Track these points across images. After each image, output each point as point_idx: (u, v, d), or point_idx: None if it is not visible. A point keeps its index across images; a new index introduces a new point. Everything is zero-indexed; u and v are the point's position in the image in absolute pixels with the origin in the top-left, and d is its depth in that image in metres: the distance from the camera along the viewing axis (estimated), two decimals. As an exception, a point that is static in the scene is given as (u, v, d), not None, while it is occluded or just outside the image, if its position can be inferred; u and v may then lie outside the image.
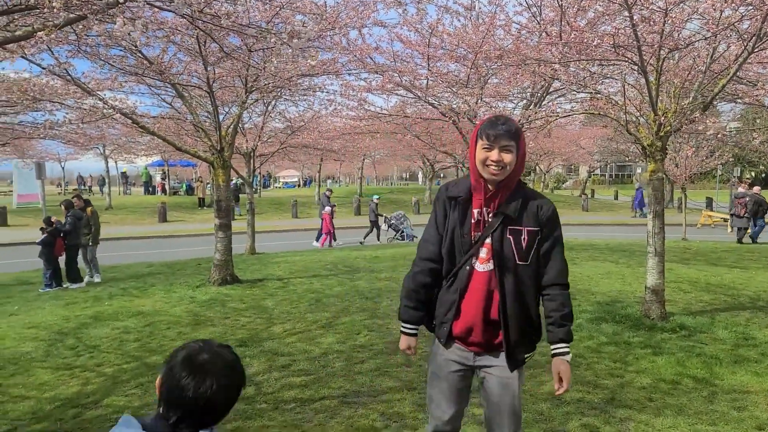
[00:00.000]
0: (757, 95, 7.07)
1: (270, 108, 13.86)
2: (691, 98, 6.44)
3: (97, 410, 4.45)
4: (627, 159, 39.85)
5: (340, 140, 17.78)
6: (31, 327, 7.22)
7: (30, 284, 11.06)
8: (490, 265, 2.45)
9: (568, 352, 2.43)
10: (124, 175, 44.75)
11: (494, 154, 2.35)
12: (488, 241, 2.45)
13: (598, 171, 62.50)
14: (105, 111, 7.88)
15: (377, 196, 20.06)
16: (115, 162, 35.20)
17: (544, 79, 9.58)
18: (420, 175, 59.43)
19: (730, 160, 25.24)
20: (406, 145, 23.56)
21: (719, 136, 8.21)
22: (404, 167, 62.39)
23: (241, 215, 27.30)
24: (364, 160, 36.47)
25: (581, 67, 6.43)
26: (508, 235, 2.42)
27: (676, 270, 10.45)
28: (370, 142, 22.83)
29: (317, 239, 18.27)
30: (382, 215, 19.58)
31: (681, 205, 23.12)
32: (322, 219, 17.78)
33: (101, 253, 11.78)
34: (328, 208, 17.57)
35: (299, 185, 60.45)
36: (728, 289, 8.69)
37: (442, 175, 57.48)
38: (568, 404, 4.34)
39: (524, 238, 2.41)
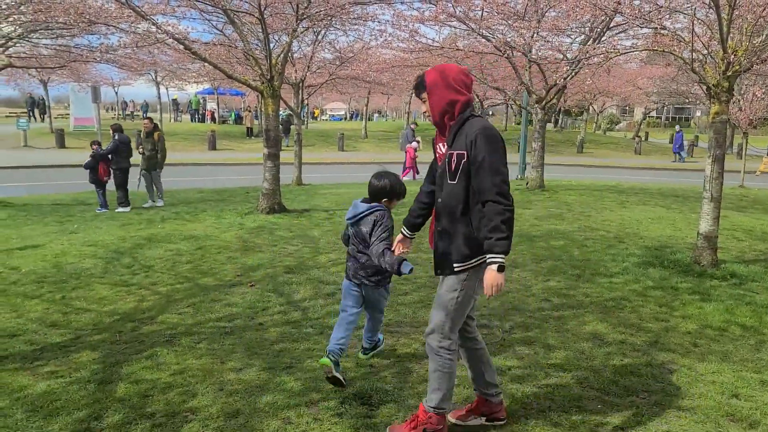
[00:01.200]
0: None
1: (320, 37, 13.67)
2: (764, 36, 6.04)
3: (152, 326, 4.69)
4: (687, 101, 38.00)
5: (389, 73, 17.49)
6: (90, 245, 7.57)
7: (87, 204, 11.52)
8: None
9: (494, 261, 2.65)
10: (174, 102, 45.29)
11: (423, 106, 2.93)
12: None
13: (654, 113, 59.94)
14: (158, 35, 7.90)
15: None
16: (166, 88, 35.58)
17: (606, 13, 9.10)
18: (468, 112, 58.04)
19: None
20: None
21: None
22: (452, 103, 61.08)
23: (288, 146, 27.50)
24: (411, 94, 35.88)
25: (648, -1, 6.06)
26: (446, 160, 2.83)
27: (731, 217, 10.13)
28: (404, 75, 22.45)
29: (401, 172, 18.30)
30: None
31: (741, 151, 22.12)
32: (406, 152, 17.69)
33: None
34: (415, 144, 17.45)
35: (346, 118, 60.17)
36: (785, 240, 8.40)
37: (491, 113, 56.15)
38: (610, 344, 4.35)
39: (453, 160, 2.78)
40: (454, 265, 2.85)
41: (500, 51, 11.79)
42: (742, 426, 3.27)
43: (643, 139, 38.71)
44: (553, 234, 8.26)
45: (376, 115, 60.90)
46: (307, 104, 40.48)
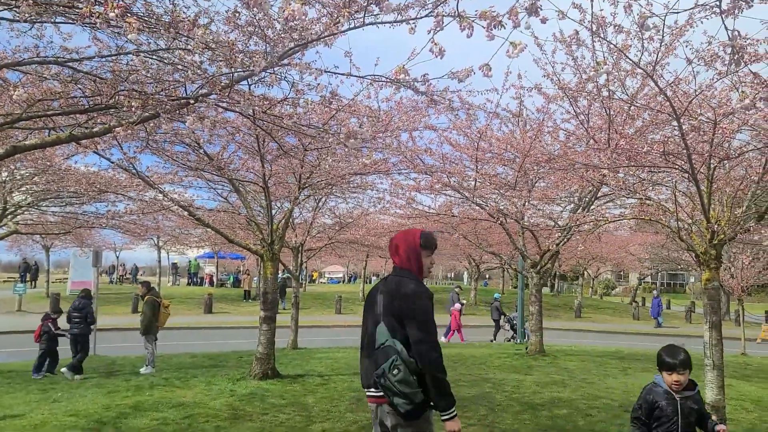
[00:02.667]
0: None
1: (321, 204, 14.26)
2: (744, 207, 6.34)
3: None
4: (679, 267, 38.67)
5: (387, 237, 17.97)
6: (72, 415, 7.24)
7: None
8: None
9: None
10: (174, 266, 45.72)
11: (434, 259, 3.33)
12: None
13: (648, 278, 60.69)
14: (164, 203, 8.26)
15: (498, 295, 21.52)
16: (167, 252, 36.24)
17: (593, 185, 9.62)
18: (465, 275, 58.85)
19: (791, 272, 24.19)
20: (452, 245, 23.59)
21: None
22: (449, 267, 61.98)
23: (285, 309, 27.39)
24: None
25: (630, 173, 6.46)
26: None
27: (736, 386, 9.83)
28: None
29: (445, 335, 18.99)
30: (505, 314, 20.37)
31: (738, 318, 22.05)
32: (452, 315, 18.87)
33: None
34: (458, 305, 18.85)
35: (344, 281, 60.60)
36: (797, 410, 8.08)
37: (488, 276, 56.76)
38: None
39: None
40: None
41: (494, 218, 12.25)
42: None
43: (640, 304, 38.73)
44: (556, 402, 7.95)
45: (374, 277, 61.50)
46: (306, 267, 41.04)
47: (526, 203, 12.33)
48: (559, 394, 8.54)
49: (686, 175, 5.84)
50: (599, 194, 11.67)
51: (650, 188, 7.42)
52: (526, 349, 13.07)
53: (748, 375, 11.78)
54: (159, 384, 9.29)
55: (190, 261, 43.30)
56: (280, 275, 33.48)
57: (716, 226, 6.22)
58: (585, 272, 42.63)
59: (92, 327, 11.44)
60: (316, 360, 12.21)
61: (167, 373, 10.52)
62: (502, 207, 12.27)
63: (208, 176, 9.66)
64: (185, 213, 9.10)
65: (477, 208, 12.56)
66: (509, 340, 19.06)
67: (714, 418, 3.85)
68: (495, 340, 19.24)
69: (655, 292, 31.15)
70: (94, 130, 4.87)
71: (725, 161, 5.95)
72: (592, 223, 7.99)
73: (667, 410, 3.48)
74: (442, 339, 18.45)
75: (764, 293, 46.79)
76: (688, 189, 7.28)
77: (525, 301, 15.67)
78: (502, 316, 20.18)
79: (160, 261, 34.33)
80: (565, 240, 12.10)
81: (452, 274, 78.55)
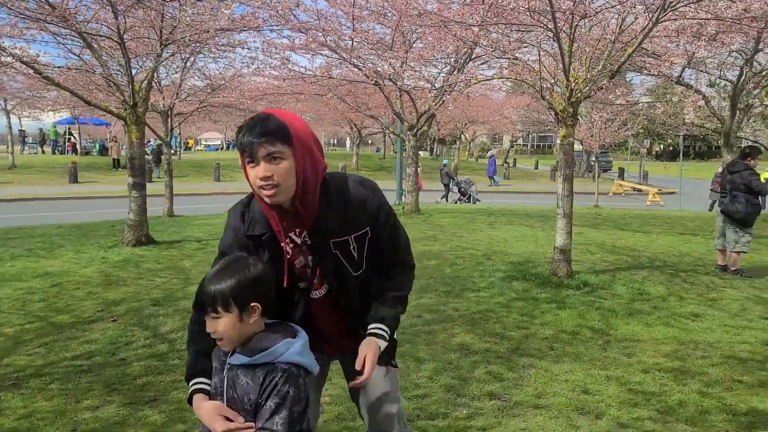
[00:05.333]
0: (660, 67, 7.47)
1: (188, 64, 13.33)
2: (600, 66, 6.72)
3: (-3, 370, 4.26)
4: (547, 129, 41.13)
5: (264, 101, 17.37)
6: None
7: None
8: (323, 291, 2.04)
9: (384, 337, 2.00)
10: (21, 133, 40.37)
11: (260, 170, 1.77)
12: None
13: (520, 140, 64.31)
14: (3, 59, 7.35)
15: (446, 161, 23.91)
16: (19, 118, 32.80)
17: (467, 45, 9.70)
18: (348, 141, 59.13)
19: (641, 132, 26.62)
20: (332, 109, 23.33)
21: (628, 105, 8.61)
22: (332, 132, 61.71)
23: (160, 177, 26.32)
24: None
25: (501, 32, 6.56)
26: (334, 251, 1.95)
27: (586, 233, 11.01)
28: (296, 105, 22.62)
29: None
30: (454, 178, 22.46)
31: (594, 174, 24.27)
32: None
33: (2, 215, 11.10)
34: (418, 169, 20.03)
35: (222, 148, 58.77)
36: (630, 251, 9.26)
37: (369, 141, 57.41)
38: (475, 353, 4.55)
39: (354, 247, 1.97)
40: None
41: (370, 79, 12.13)
42: (590, 418, 3.54)
43: (511, 165, 41.22)
44: (427, 255, 8.52)
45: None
46: (179, 133, 39.11)
47: (404, 64, 12.27)
48: (431, 248, 9.14)
49: (551, 34, 6.02)
50: (473, 56, 11.83)
51: (519, 48, 7.62)
52: (403, 208, 13.67)
53: (597, 224, 13.18)
54: (21, 255, 8.80)
55: (41, 129, 39.40)
56: (152, 142, 31.78)
57: (574, 84, 6.58)
58: (462, 135, 44.27)
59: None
60: (194, 227, 12.06)
61: (30, 243, 9.96)
62: (379, 68, 12.14)
63: (53, 29, 8.60)
64: (30, 71, 8.16)
65: (355, 69, 12.33)
66: (456, 202, 21.04)
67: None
68: (446, 201, 21.52)
69: (490, 152, 33.09)
70: None
71: (585, 19, 6.18)
72: (463, 84, 8.14)
73: None
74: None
75: (620, 151, 51.37)
76: (552, 48, 7.56)
77: (403, 164, 16.12)
78: (452, 180, 22.32)
79: (10, 127, 31.09)
80: (441, 102, 12.35)
81: (335, 139, 78.53)
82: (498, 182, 30.66)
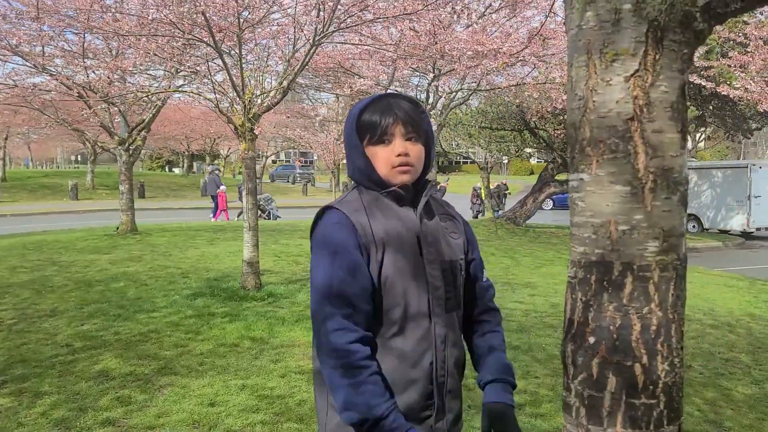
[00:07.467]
0: (342, 87, 8.00)
1: None
2: (275, 83, 6.96)
3: None
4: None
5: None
6: None
7: None
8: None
9: None
10: None
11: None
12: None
13: (282, 156, 65.12)
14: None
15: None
16: None
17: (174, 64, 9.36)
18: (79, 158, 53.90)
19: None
20: (47, 124, 20.94)
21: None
22: (74, 148, 55.47)
23: None
24: (6, 139, 31.35)
25: (158, 44, 6.42)
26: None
27: (306, 245, 11.36)
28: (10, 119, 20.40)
29: (213, 215, 19.58)
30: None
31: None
32: (218, 197, 19.20)
33: None
34: (223, 187, 19.37)
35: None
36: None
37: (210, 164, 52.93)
38: (113, 379, 4.31)
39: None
40: None
41: (75, 91, 11.05)
42: (203, 430, 3.54)
43: (270, 181, 41.34)
44: (118, 277, 7.98)
45: None
46: None
47: (111, 74, 11.44)
48: (127, 269, 8.60)
49: (212, 49, 6.05)
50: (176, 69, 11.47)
51: (202, 64, 7.56)
52: (117, 228, 12.74)
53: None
54: None
55: None
56: None
57: (247, 100, 6.71)
58: (220, 152, 43.30)
59: None
60: None
61: None
62: (80, 79, 11.14)
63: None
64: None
65: (50, 78, 11.13)
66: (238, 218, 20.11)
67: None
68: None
69: (209, 168, 32.66)
70: None
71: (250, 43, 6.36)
72: (132, 95, 7.83)
73: None
74: (211, 218, 19.38)
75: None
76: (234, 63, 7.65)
77: (118, 180, 15.05)
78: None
79: None
80: (155, 114, 11.79)
81: (78, 156, 70.98)
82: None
